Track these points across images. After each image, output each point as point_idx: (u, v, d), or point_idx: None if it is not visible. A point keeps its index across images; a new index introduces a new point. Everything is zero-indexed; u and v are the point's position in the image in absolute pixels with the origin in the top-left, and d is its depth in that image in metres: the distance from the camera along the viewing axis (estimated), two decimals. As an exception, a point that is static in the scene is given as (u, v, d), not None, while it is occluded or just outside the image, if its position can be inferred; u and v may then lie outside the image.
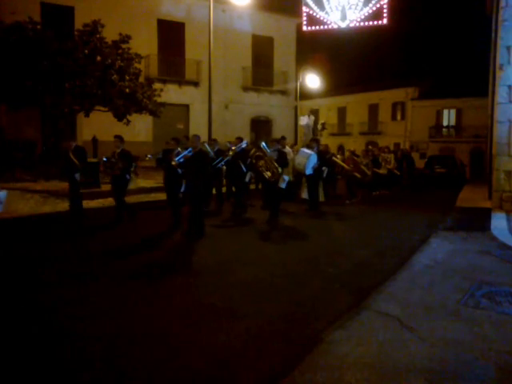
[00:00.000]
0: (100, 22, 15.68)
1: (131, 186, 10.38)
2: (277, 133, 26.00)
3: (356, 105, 40.09)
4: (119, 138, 9.61)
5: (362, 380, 3.22)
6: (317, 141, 12.43)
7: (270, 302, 4.93)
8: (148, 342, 3.91)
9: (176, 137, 9.50)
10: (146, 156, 10.39)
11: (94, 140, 16.91)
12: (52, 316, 4.49)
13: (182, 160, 7.95)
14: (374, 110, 39.17)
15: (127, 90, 15.94)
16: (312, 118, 18.97)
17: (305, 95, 31.51)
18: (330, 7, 18.62)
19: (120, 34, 16.25)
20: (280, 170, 9.41)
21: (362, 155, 14.96)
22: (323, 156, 12.10)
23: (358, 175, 13.77)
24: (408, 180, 19.15)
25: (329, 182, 14.39)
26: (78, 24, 16.77)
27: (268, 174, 9.50)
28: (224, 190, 12.54)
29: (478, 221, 9.94)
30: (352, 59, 41.84)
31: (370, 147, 16.79)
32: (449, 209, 12.30)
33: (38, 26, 15.11)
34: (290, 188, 13.18)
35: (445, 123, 36.53)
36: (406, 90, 36.35)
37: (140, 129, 20.35)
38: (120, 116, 16.49)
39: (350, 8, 18.49)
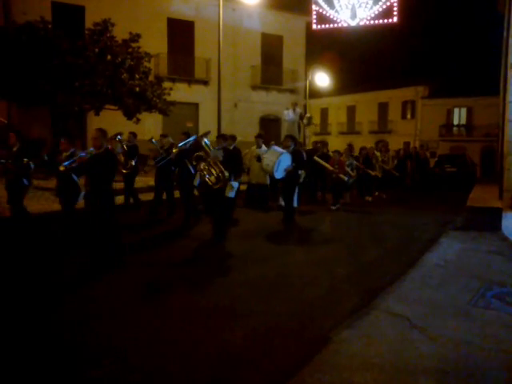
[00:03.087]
0: (110, 21, 15.76)
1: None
2: (286, 131, 25.94)
3: (365, 103, 39.87)
4: (15, 132, 7.81)
5: (371, 380, 3.21)
6: (293, 138, 10.27)
7: (278, 301, 4.93)
8: (155, 341, 3.93)
9: (69, 134, 7.54)
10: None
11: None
12: (60, 313, 4.54)
13: (74, 164, 6.20)
14: (383, 108, 38.95)
15: (137, 89, 16.01)
16: (298, 111, 16.51)
17: (314, 94, 31.35)
18: (340, 5, 18.55)
19: (130, 33, 16.32)
20: (227, 174, 7.52)
21: (344, 154, 13.31)
22: (299, 157, 9.79)
23: (343, 177, 12.34)
24: (413, 180, 18.73)
25: (319, 185, 13.59)
26: (89, 23, 16.85)
27: (211, 179, 7.58)
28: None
29: (489, 220, 9.85)
30: (362, 57, 41.61)
31: (366, 146, 15.50)
32: (459, 208, 12.21)
33: (49, 26, 15.22)
34: (261, 194, 11.73)
35: (455, 122, 36.25)
36: (416, 88, 36.08)
37: (150, 127, 20.40)
38: (130, 115, 16.57)
39: (359, 6, 18.41)
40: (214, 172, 7.56)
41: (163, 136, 10.53)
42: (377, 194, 15.15)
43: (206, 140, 8.15)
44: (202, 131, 20.86)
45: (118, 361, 3.54)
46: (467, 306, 4.69)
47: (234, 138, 8.64)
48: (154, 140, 10.18)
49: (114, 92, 15.53)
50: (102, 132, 6.24)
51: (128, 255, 6.75)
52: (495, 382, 3.23)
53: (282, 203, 10.39)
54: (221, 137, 8.23)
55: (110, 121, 17.77)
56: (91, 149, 6.16)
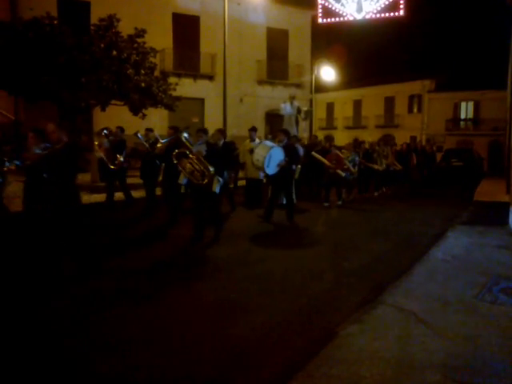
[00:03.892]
0: (116, 17, 15.75)
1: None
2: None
3: (372, 98, 39.67)
4: None
5: (377, 374, 3.22)
6: (286, 132, 9.74)
7: (284, 295, 4.95)
8: (163, 336, 3.95)
9: (37, 129, 6.67)
10: None
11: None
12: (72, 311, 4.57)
13: (28, 163, 5.48)
14: (390, 102, 38.74)
15: (143, 84, 16.01)
16: (295, 104, 15.73)
17: (320, 88, 31.27)
18: (346, -1, 18.48)
19: (135, 28, 16.30)
20: (212, 170, 7.06)
21: (347, 148, 13.00)
22: (292, 151, 9.29)
23: (341, 173, 11.84)
24: (421, 175, 18.62)
25: (318, 181, 13.14)
26: (94, 18, 16.86)
27: (196, 175, 7.15)
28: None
29: (496, 215, 9.82)
30: (368, 51, 41.31)
31: (364, 140, 15.26)
32: (466, 203, 12.16)
33: (55, 22, 15.25)
34: (255, 191, 11.31)
35: (462, 116, 36.03)
36: (423, 82, 35.83)
37: (155, 123, 20.43)
38: (136, 110, 16.58)
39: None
40: (198, 168, 7.14)
41: (149, 130, 10.25)
42: (384, 189, 15.11)
43: (184, 134, 7.80)
44: (207, 126, 20.89)
45: (121, 359, 3.55)
46: (474, 300, 4.68)
47: (223, 132, 8.10)
48: (139, 134, 9.79)
49: (119, 87, 15.54)
50: (57, 125, 5.58)
51: (127, 252, 6.77)
52: (502, 377, 3.22)
53: (284, 201, 10.05)
54: (201, 131, 7.68)
55: (116, 116, 17.85)
56: (47, 144, 5.50)
